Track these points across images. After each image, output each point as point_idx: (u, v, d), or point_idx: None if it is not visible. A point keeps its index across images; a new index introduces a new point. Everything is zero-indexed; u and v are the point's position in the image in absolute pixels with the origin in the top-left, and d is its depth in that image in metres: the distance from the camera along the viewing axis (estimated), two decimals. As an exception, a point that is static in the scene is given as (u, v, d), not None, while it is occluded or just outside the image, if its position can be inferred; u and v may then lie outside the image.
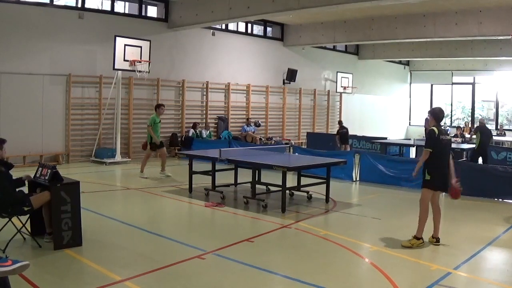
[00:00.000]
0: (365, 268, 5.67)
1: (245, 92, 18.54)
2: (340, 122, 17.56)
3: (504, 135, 21.49)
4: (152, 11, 15.94)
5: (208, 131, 16.57)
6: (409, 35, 17.03)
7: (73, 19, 13.62)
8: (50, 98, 13.25)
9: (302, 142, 20.13)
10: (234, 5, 13.75)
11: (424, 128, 21.50)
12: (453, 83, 26.38)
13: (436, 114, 6.45)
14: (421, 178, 10.62)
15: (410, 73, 28.10)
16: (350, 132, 18.80)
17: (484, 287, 5.06)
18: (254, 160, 8.92)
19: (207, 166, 10.08)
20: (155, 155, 12.88)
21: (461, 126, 22.60)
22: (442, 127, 6.49)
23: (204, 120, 16.90)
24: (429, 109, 21.94)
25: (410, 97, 28.21)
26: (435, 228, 6.43)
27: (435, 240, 6.40)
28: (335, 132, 17.57)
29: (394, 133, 24.60)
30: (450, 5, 14.99)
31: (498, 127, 23.21)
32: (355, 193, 10.83)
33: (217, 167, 9.76)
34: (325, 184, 9.11)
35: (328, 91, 22.14)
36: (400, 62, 27.02)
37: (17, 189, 5.70)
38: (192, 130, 16.09)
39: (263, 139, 18.07)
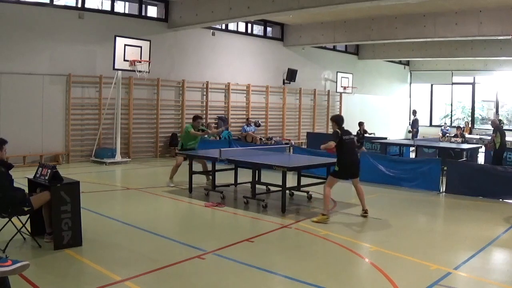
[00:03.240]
0: (365, 268, 5.67)
1: (245, 92, 18.54)
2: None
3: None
4: (152, 11, 15.94)
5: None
6: (409, 35, 17.03)
7: (73, 19, 13.62)
8: (50, 98, 13.25)
9: (302, 142, 20.13)
10: (234, 5, 13.74)
11: (411, 129, 21.57)
12: (453, 83, 26.37)
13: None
14: (420, 178, 10.83)
15: (410, 73, 28.10)
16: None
17: (484, 287, 5.06)
18: (254, 160, 8.92)
19: (207, 166, 10.08)
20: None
21: (461, 126, 22.60)
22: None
23: (204, 120, 16.89)
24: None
25: (410, 97, 28.20)
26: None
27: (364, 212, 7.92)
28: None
29: (394, 133, 24.60)
30: (450, 5, 14.99)
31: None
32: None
33: (217, 167, 9.77)
34: (325, 184, 9.11)
35: (328, 91, 22.14)
36: (400, 62, 27.02)
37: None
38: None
39: (263, 139, 18.06)
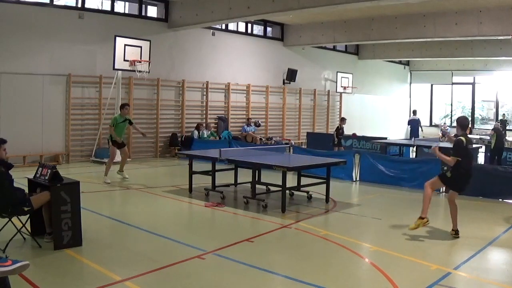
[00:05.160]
0: (365, 268, 5.67)
1: (245, 92, 18.54)
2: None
3: (505, 135, 21.46)
4: (152, 11, 15.94)
5: (210, 131, 16.57)
6: (409, 35, 17.03)
7: (73, 19, 13.62)
8: (50, 98, 13.25)
9: (302, 142, 20.14)
10: (234, 5, 13.74)
11: (409, 127, 21.47)
12: (453, 83, 26.37)
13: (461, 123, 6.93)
14: (420, 178, 10.75)
15: (410, 73, 28.10)
16: (350, 132, 18.82)
17: (484, 287, 5.06)
18: (254, 160, 8.92)
19: (207, 166, 10.09)
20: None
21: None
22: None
23: (204, 120, 16.90)
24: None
25: (410, 97, 28.21)
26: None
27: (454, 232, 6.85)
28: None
29: (394, 133, 24.60)
30: (450, 5, 14.99)
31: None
32: (355, 193, 10.83)
33: (217, 167, 9.77)
34: (325, 184, 9.12)
35: (328, 91, 22.14)
36: (400, 62, 27.01)
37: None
38: (196, 132, 16.08)
39: (263, 139, 18.06)
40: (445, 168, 6.69)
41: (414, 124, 21.69)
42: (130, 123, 11.27)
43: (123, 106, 11.19)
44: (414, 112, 21.99)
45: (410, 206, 9.24)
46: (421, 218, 6.68)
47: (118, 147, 11.05)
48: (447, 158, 6.79)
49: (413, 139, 16.47)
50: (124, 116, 11.00)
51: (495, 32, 15.04)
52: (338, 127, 16.56)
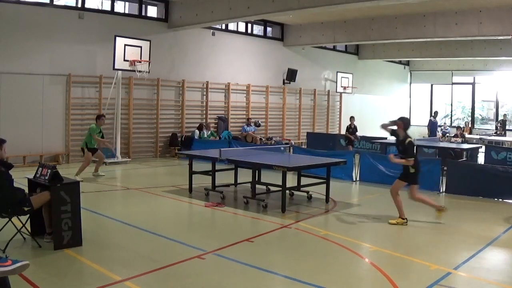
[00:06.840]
0: (365, 268, 5.67)
1: (245, 92, 18.54)
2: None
3: (505, 135, 21.48)
4: (152, 11, 15.94)
5: (210, 131, 16.56)
6: (409, 35, 17.03)
7: (73, 19, 13.62)
8: (50, 98, 13.25)
9: (302, 142, 20.13)
10: (234, 5, 13.74)
11: (427, 129, 21.44)
12: (453, 83, 26.37)
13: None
14: (420, 178, 10.81)
15: (410, 73, 28.10)
16: (363, 132, 18.79)
17: (484, 287, 5.05)
18: (254, 160, 8.92)
19: (207, 166, 10.09)
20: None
21: (461, 126, 22.61)
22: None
23: (204, 120, 16.89)
24: (431, 109, 21.61)
25: (410, 97, 28.21)
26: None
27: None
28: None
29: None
30: (450, 5, 14.99)
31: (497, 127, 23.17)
32: (355, 193, 10.83)
33: (217, 167, 9.77)
34: (325, 184, 9.12)
35: (328, 91, 22.14)
36: (400, 62, 27.01)
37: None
38: (197, 131, 16.07)
39: (263, 139, 18.06)
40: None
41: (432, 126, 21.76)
42: (102, 136, 11.38)
43: (99, 117, 11.40)
44: (435, 114, 21.94)
45: (410, 206, 9.23)
46: (438, 210, 7.63)
47: (93, 153, 11.22)
48: (402, 161, 7.65)
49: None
50: (100, 127, 11.24)
51: (495, 32, 15.04)
52: (348, 126, 16.77)
